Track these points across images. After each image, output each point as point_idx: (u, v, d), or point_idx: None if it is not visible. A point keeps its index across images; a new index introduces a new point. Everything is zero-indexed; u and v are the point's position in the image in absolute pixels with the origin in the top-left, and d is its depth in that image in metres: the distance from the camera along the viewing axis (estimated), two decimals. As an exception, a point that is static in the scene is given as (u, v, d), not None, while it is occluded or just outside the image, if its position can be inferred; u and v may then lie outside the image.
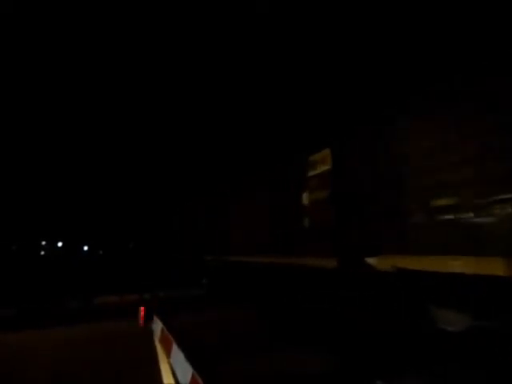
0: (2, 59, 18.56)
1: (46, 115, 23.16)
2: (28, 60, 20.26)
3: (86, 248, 30.67)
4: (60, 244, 30.76)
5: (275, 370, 5.67)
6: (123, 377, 5.95)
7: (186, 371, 4.81)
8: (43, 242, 30.48)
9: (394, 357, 5.66)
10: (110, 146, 25.07)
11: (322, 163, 7.95)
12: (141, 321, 10.18)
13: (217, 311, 11.41)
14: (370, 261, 6.21)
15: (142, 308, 10.49)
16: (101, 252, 30.65)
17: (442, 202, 5.06)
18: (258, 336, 7.86)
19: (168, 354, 6.24)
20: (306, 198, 8.49)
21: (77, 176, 26.64)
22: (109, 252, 29.09)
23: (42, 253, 29.95)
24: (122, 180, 26.16)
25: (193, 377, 4.45)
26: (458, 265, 4.76)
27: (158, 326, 8.11)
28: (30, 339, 9.53)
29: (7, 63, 19.09)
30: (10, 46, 18.73)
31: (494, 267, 4.37)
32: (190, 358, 5.10)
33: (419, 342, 5.69)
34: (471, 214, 4.68)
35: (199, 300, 14.45)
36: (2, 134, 23.22)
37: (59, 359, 7.29)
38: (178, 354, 5.53)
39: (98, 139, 25.03)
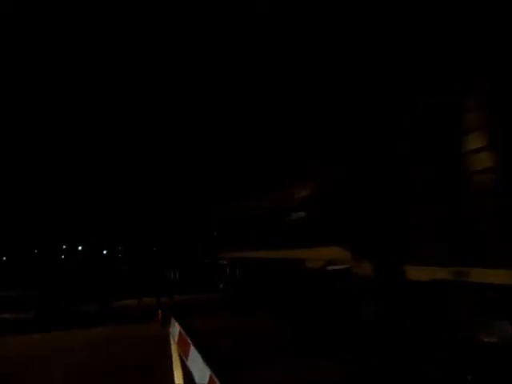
0: (2, 59, 18.91)
1: (57, 118, 23.50)
2: (28, 60, 20.58)
3: (104, 252, 31.19)
4: (80, 248, 31.37)
5: (292, 377, 5.67)
6: (139, 377, 6.09)
7: (203, 373, 4.87)
8: (64, 246, 31.22)
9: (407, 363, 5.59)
10: (132, 150, 25.40)
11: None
12: (159, 323, 10.32)
13: (234, 315, 11.43)
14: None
15: (159, 311, 10.63)
16: (120, 255, 31.15)
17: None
18: (275, 342, 7.85)
19: (186, 356, 6.30)
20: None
21: (99, 181, 27.13)
22: (128, 256, 29.56)
23: (63, 256, 30.67)
24: (144, 184, 26.44)
25: (211, 379, 4.50)
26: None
27: (175, 328, 8.20)
28: (50, 340, 9.73)
29: (7, 63, 19.46)
30: (10, 46, 19.09)
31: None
32: (208, 360, 5.16)
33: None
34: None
35: (217, 304, 14.49)
36: (21, 140, 23.69)
37: (79, 360, 7.44)
38: (196, 357, 5.58)
39: (119, 144, 25.38)
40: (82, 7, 18.85)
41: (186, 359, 6.26)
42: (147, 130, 23.87)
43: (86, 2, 18.94)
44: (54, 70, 21.92)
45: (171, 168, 24.96)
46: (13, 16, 17.39)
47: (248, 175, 14.41)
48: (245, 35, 14.34)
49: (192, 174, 23.22)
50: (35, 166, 25.67)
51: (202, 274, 20.75)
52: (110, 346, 8.46)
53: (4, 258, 30.05)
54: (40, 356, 8.00)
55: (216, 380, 4.35)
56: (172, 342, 8.01)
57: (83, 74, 22.83)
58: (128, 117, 23.58)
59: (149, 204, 27.04)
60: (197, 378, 5.28)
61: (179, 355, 6.87)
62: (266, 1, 12.22)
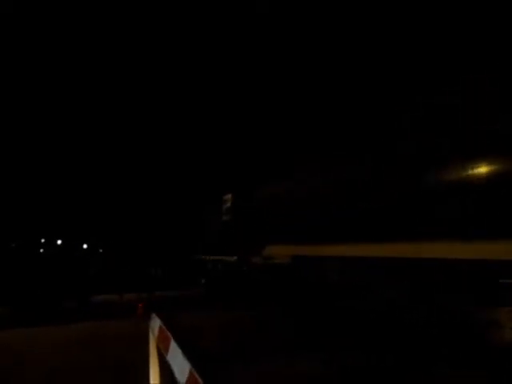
0: (2, 59, 18.52)
1: (47, 115, 23.09)
2: (28, 60, 20.19)
3: (85, 246, 30.51)
4: (59, 242, 30.63)
5: (277, 373, 5.53)
6: (117, 375, 5.87)
7: (183, 368, 4.64)
8: (42, 240, 30.42)
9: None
10: (112, 145, 25.00)
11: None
12: (139, 316, 10.14)
13: (216, 311, 11.29)
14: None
15: (140, 305, 10.49)
16: (100, 250, 30.54)
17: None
18: (257, 338, 7.70)
19: (166, 351, 6.06)
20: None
21: (79, 174, 26.59)
22: (109, 250, 29.05)
23: (41, 250, 29.88)
24: (126, 177, 26.05)
25: (190, 374, 4.28)
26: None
27: (155, 323, 7.93)
28: (26, 337, 9.38)
29: (7, 63, 19.04)
30: (10, 46, 18.69)
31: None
32: (189, 355, 4.95)
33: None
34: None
35: (199, 300, 14.35)
36: (5, 134, 23.20)
37: (56, 358, 7.18)
38: (176, 351, 5.34)
39: (101, 139, 24.97)
40: (82, 7, 18.45)
41: (166, 354, 6.02)
42: (132, 123, 23.51)
43: (86, 2, 18.54)
44: (54, 69, 21.53)
45: (159, 163, 24.64)
46: (13, 16, 17.02)
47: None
48: (245, 35, 14.27)
49: (182, 169, 22.96)
50: (15, 162, 25.10)
51: (186, 270, 20.54)
52: (90, 343, 8.21)
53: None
54: (13, 355, 7.65)
55: (196, 375, 4.13)
56: (151, 336, 7.75)
57: (83, 74, 22.45)
58: (117, 110, 23.18)
59: (135, 199, 26.65)
60: (177, 374, 5.07)
61: (158, 350, 6.63)
62: (266, 1, 12.16)
